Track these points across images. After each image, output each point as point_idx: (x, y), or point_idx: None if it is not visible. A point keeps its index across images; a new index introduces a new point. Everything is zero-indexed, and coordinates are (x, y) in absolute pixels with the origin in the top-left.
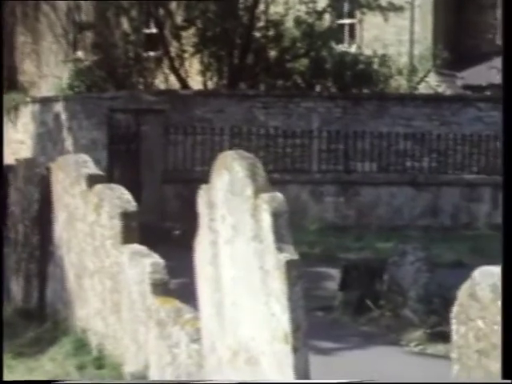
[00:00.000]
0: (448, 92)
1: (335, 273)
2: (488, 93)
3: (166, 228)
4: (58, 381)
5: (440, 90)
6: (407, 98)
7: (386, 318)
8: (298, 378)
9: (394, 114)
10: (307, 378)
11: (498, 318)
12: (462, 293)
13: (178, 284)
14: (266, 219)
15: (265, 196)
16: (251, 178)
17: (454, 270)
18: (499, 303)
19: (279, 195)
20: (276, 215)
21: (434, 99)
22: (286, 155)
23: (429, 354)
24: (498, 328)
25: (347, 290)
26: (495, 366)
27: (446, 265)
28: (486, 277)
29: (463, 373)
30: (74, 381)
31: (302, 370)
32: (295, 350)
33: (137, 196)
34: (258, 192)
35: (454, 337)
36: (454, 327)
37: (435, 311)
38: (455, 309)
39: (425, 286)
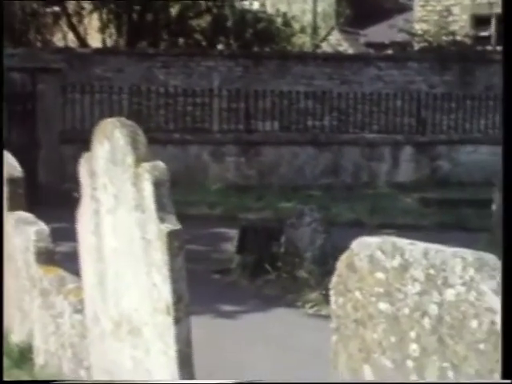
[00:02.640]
0: (351, 50)
1: (235, 234)
2: (390, 51)
3: (65, 189)
4: (58, 381)
5: (342, 47)
6: (308, 57)
7: (283, 280)
8: (179, 349)
9: (296, 72)
10: (189, 347)
11: (376, 290)
12: (341, 263)
13: (75, 247)
14: (148, 189)
15: (146, 165)
16: (132, 147)
17: (352, 229)
18: (377, 274)
19: (161, 164)
20: (157, 184)
21: (335, 58)
22: (186, 114)
23: (323, 315)
24: (374, 299)
25: (244, 252)
26: (371, 335)
27: (346, 224)
28: (364, 247)
29: (341, 342)
30: (73, 381)
31: (184, 341)
32: (177, 320)
33: (35, 157)
34: (139, 161)
35: (333, 307)
36: (332, 298)
37: (330, 272)
38: (334, 279)
39: (320, 248)
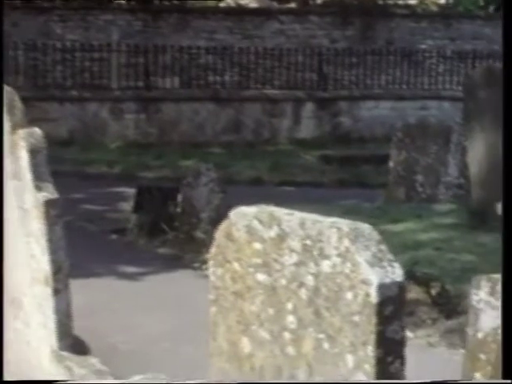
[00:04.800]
0: (254, 3)
1: (133, 193)
2: (292, 5)
3: None
4: (57, 381)
5: (245, 1)
6: (209, 11)
7: (181, 240)
8: (59, 320)
9: (196, 27)
10: (68, 319)
11: (253, 261)
12: (219, 233)
13: None
14: (24, 156)
15: (22, 132)
16: (8, 113)
17: (252, 187)
18: (254, 245)
19: (37, 131)
20: (33, 152)
21: (237, 12)
22: (84, 70)
23: None
24: (252, 270)
25: (141, 212)
26: (249, 307)
27: (246, 182)
28: (242, 217)
29: (220, 314)
30: (73, 381)
31: (63, 312)
32: (56, 292)
33: None
34: (15, 127)
35: (212, 278)
36: (211, 269)
37: None
38: (213, 250)
39: (217, 208)
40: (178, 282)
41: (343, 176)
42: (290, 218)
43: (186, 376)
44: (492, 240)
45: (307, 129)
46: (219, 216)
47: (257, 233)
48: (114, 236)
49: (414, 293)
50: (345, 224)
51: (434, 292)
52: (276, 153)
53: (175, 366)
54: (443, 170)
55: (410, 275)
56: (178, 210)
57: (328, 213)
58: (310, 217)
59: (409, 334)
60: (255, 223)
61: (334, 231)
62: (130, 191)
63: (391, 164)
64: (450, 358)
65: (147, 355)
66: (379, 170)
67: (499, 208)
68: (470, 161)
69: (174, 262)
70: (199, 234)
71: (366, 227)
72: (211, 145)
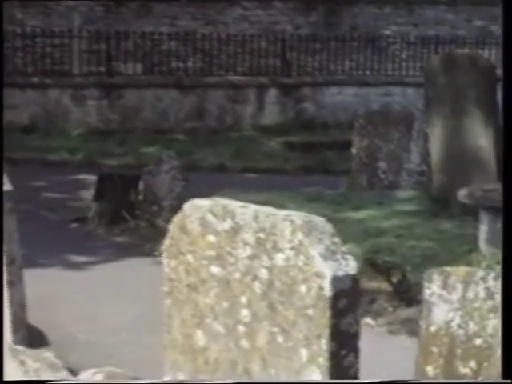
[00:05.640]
0: None
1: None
2: None
3: None
4: (58, 381)
5: None
6: None
7: (142, 229)
8: (13, 312)
9: (159, 13)
10: (23, 310)
11: (207, 253)
12: (173, 225)
13: None
14: None
15: None
16: None
17: (216, 174)
18: (208, 237)
19: None
20: None
21: None
22: (45, 56)
23: None
24: (206, 263)
25: (102, 200)
26: (203, 300)
27: (209, 169)
28: (196, 210)
29: (174, 307)
30: (74, 381)
31: (18, 304)
32: (10, 284)
33: None
34: None
35: (166, 270)
36: (165, 260)
37: None
38: (166, 241)
39: (178, 196)
40: (138, 270)
41: (307, 162)
42: (244, 210)
43: (145, 367)
44: (453, 227)
45: (271, 115)
46: (181, 204)
47: (211, 225)
48: (74, 225)
49: (376, 281)
50: (298, 217)
51: (394, 280)
52: (239, 139)
53: (134, 357)
54: (406, 157)
55: (372, 263)
56: (140, 197)
57: (291, 200)
58: (263, 210)
59: (370, 322)
60: (209, 216)
61: (287, 224)
62: (92, 179)
63: (354, 151)
64: (410, 346)
65: (106, 346)
66: (343, 156)
67: (460, 195)
68: (431, 148)
69: (134, 251)
70: (160, 222)
71: (319, 220)
72: (174, 132)
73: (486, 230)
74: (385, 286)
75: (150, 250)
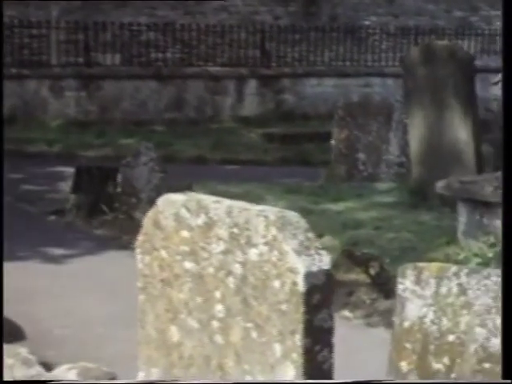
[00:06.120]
0: None
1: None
2: None
3: None
4: (57, 381)
5: None
6: None
7: (119, 221)
8: None
9: (137, 3)
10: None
11: (181, 248)
12: (147, 221)
13: None
14: None
15: None
16: None
17: (195, 165)
18: (182, 233)
19: None
20: None
21: None
22: (23, 47)
23: None
24: (180, 258)
25: (80, 192)
26: (177, 296)
27: (188, 160)
28: (169, 205)
29: (148, 302)
30: (73, 381)
31: None
32: None
33: None
34: None
35: (140, 265)
36: (138, 256)
37: None
38: (140, 237)
39: (156, 188)
40: (115, 263)
41: (286, 154)
42: (218, 205)
43: (121, 362)
44: (431, 218)
45: (250, 106)
46: (159, 196)
47: (184, 221)
48: (53, 217)
49: (354, 273)
50: (272, 212)
51: (373, 272)
52: (219, 131)
53: (111, 351)
54: (385, 148)
55: (350, 255)
56: (118, 190)
57: (270, 191)
58: (237, 204)
59: (348, 314)
60: (183, 211)
61: (261, 219)
62: (71, 171)
63: (333, 142)
64: (388, 338)
65: (83, 340)
66: (322, 147)
67: (438, 187)
68: (410, 139)
69: (112, 243)
70: (138, 215)
71: (293, 215)
72: (154, 123)
73: (464, 221)
74: (363, 278)
75: (127, 242)
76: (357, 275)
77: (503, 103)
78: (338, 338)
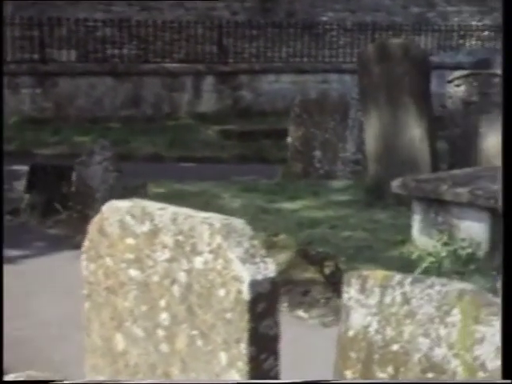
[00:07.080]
0: None
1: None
2: None
3: None
4: (57, 381)
5: None
6: None
7: (74, 220)
8: None
9: None
10: None
11: (126, 256)
12: (92, 228)
13: None
14: None
15: None
16: None
17: (151, 163)
18: (127, 240)
19: None
20: None
21: None
22: None
23: None
24: (125, 266)
25: (34, 191)
26: (122, 303)
27: (145, 158)
28: (114, 212)
29: (93, 310)
30: (73, 381)
31: None
32: None
33: None
34: None
35: (85, 273)
36: (83, 263)
37: None
38: (85, 244)
39: (110, 187)
40: (70, 263)
41: (243, 151)
42: (163, 212)
43: (76, 364)
44: (387, 217)
45: (208, 103)
46: (114, 196)
47: (129, 228)
48: (7, 217)
49: (309, 272)
50: (217, 219)
51: (327, 271)
52: (176, 128)
53: (64, 354)
54: (341, 146)
55: (305, 254)
56: (73, 189)
57: (226, 190)
58: (182, 211)
59: (303, 314)
60: (128, 218)
61: (206, 227)
62: (26, 169)
63: (289, 140)
64: None
65: (36, 342)
66: (280, 144)
67: (393, 185)
68: (366, 137)
69: (66, 243)
70: (93, 214)
71: (238, 222)
72: (110, 120)
73: (418, 220)
74: (318, 277)
75: (81, 242)
76: (312, 274)
77: (503, 103)
78: (293, 339)
